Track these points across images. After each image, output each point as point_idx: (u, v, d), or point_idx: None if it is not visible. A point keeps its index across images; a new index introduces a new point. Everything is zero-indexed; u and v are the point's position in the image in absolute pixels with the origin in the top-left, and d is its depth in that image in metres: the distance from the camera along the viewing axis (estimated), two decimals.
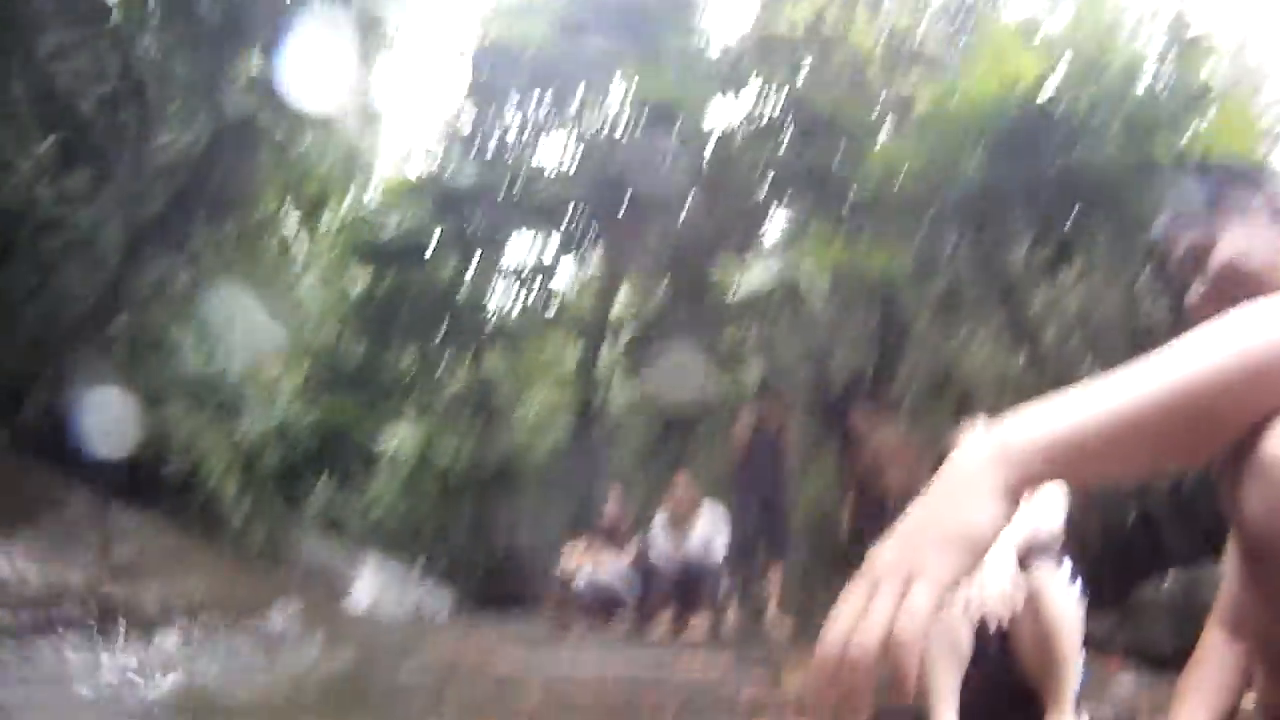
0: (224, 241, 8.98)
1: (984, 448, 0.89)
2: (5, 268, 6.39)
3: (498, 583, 10.52)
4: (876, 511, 6.83)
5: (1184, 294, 1.43)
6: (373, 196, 11.02)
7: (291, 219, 9.71)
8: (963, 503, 0.86)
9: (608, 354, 11.84)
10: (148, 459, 8.04)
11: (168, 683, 3.35)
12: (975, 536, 0.84)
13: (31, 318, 6.83)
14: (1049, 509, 2.93)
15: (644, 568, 7.18)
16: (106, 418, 7.51)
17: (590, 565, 7.53)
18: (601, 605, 7.43)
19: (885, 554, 0.83)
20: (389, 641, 5.18)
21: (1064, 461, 0.88)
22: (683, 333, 9.51)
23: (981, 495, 0.85)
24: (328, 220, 10.41)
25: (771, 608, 6.91)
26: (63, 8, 6.01)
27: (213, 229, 8.66)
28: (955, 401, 8.29)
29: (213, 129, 7.48)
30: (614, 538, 7.81)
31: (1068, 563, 2.86)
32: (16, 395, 6.52)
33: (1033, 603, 2.73)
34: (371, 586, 9.49)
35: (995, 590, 2.66)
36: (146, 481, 7.72)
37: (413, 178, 10.59)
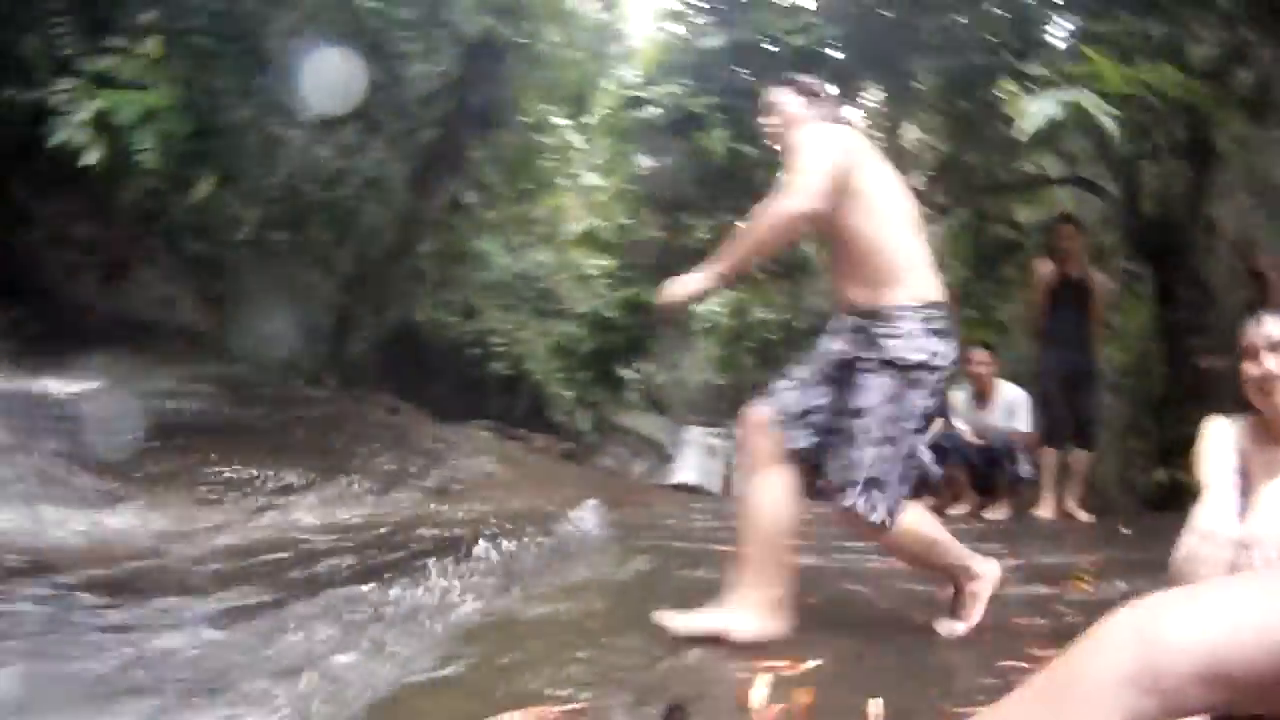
0: (501, 152, 9.31)
1: (1122, 654, 0.64)
2: (309, 222, 7.11)
3: None
4: None
5: None
6: (631, 73, 10.77)
7: (560, 116, 9.79)
8: None
9: None
10: (472, 368, 8.82)
11: (473, 606, 3.44)
12: None
13: (346, 259, 7.63)
14: None
15: (947, 446, 6.60)
16: (428, 340, 8.32)
17: None
18: None
19: None
20: (688, 538, 5.21)
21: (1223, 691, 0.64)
22: (975, 169, 8.37)
23: None
24: (594, 107, 10.35)
25: (1070, 502, 5.99)
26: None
27: (487, 143, 9.01)
28: None
29: (457, 52, 7.64)
30: None
31: None
32: (342, 335, 7.33)
33: None
34: (693, 460, 9.77)
35: (1276, 541, 1.97)
36: (473, 392, 8.48)
37: (665, 44, 10.16)
